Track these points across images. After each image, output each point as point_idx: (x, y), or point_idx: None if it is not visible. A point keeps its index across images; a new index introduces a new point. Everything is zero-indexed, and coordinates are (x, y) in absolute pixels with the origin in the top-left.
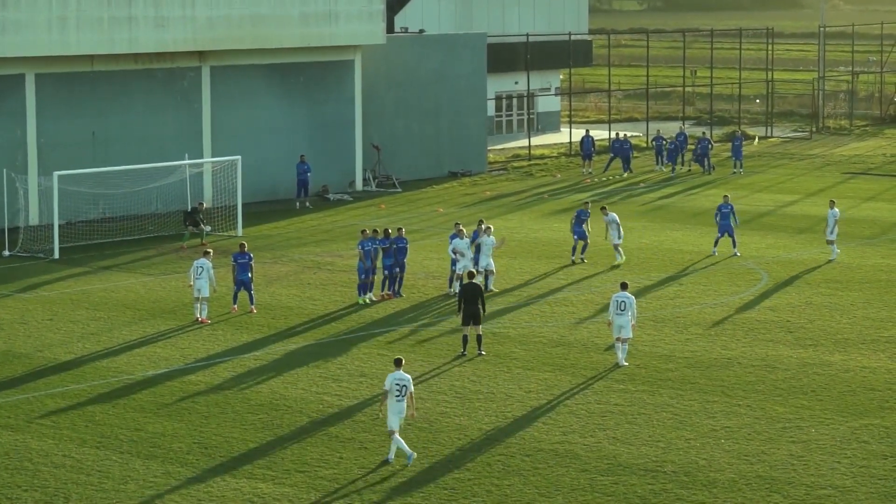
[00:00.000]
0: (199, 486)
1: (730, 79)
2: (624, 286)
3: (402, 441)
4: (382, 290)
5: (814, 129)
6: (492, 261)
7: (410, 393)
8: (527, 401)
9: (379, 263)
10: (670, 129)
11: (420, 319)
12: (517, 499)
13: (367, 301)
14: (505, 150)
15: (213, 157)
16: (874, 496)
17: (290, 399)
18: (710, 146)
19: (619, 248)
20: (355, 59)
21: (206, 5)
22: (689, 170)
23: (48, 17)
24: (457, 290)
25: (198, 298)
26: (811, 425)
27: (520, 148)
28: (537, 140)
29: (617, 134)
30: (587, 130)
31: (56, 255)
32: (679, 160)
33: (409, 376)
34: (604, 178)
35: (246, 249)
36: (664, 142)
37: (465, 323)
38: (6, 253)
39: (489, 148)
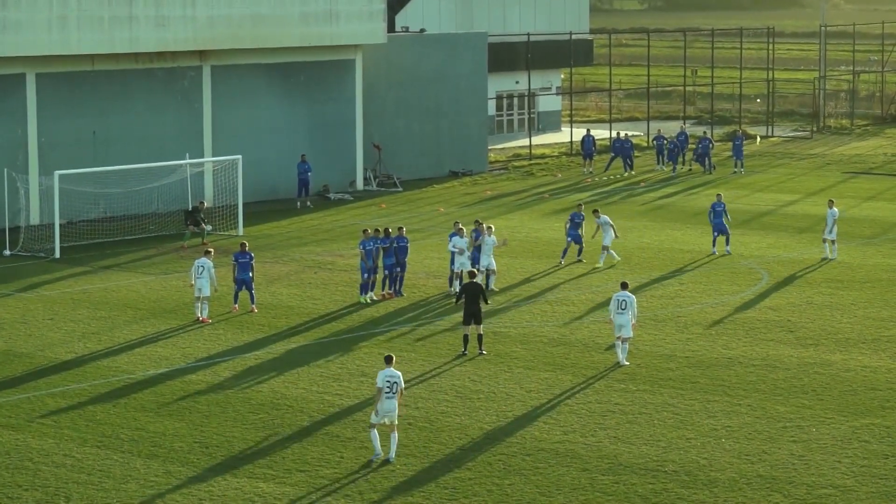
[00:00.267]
0: (200, 485)
1: (731, 78)
2: (624, 286)
3: (378, 439)
4: (383, 289)
5: (815, 129)
6: (493, 260)
7: (401, 389)
8: (528, 400)
9: (380, 262)
10: (671, 128)
11: (421, 319)
12: (518, 498)
13: (368, 300)
14: (506, 150)
15: (213, 156)
16: (875, 496)
17: (290, 398)
18: (710, 146)
19: (609, 251)
20: (356, 59)
21: (207, 5)
22: (690, 169)
23: (49, 17)
24: (457, 289)
25: (198, 298)
26: (812, 425)
27: (520, 147)
28: (538, 139)
29: (618, 133)
30: (588, 130)
31: (57, 255)
32: (680, 160)
33: (399, 373)
34: (604, 178)
35: (247, 249)
36: (664, 141)
37: (466, 322)
38: (7, 252)
39: (490, 147)
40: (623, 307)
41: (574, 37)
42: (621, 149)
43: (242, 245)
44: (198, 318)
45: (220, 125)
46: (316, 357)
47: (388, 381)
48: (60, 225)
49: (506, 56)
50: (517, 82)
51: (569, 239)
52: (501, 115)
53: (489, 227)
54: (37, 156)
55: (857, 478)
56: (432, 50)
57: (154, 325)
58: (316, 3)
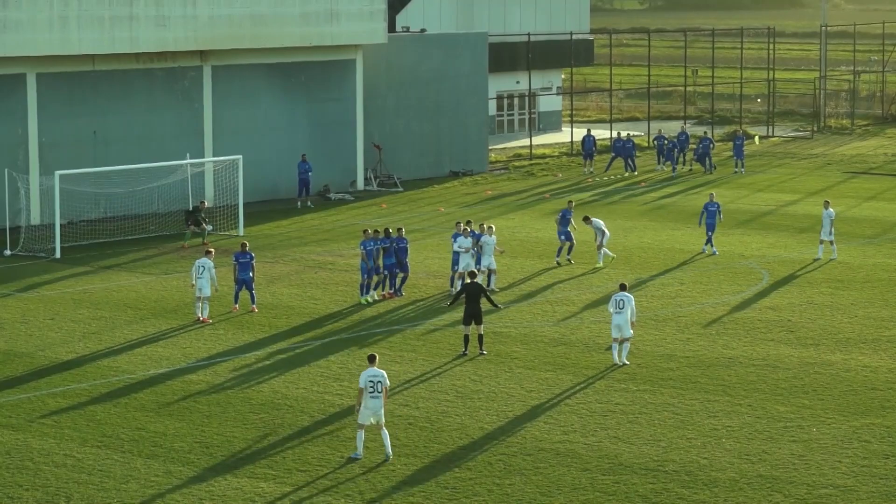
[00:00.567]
0: (200, 485)
1: (731, 78)
2: (623, 287)
3: (362, 439)
4: (383, 289)
5: (815, 129)
6: (493, 260)
7: (385, 388)
8: (528, 400)
9: (380, 263)
10: (672, 128)
11: (421, 319)
12: (518, 498)
13: (369, 301)
14: (506, 150)
15: (214, 156)
16: (875, 495)
17: (291, 398)
18: (711, 145)
19: (605, 250)
20: (356, 59)
21: (208, 4)
22: (691, 169)
23: (49, 17)
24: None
25: (199, 298)
26: (812, 424)
27: (521, 147)
28: (538, 139)
29: (618, 133)
30: (588, 130)
31: (57, 255)
32: (680, 159)
33: (383, 372)
34: (605, 178)
35: (247, 249)
36: (665, 141)
37: (467, 322)
38: (8, 252)
39: (490, 147)
40: (621, 307)
41: (574, 37)
42: (623, 149)
43: (243, 245)
44: (198, 318)
45: (221, 125)
46: (316, 357)
47: (370, 381)
48: (61, 225)
49: (506, 56)
50: (518, 82)
51: (561, 237)
52: (502, 115)
53: (490, 227)
54: (37, 156)
55: (857, 477)
56: (433, 50)
57: (154, 325)
58: (316, 3)
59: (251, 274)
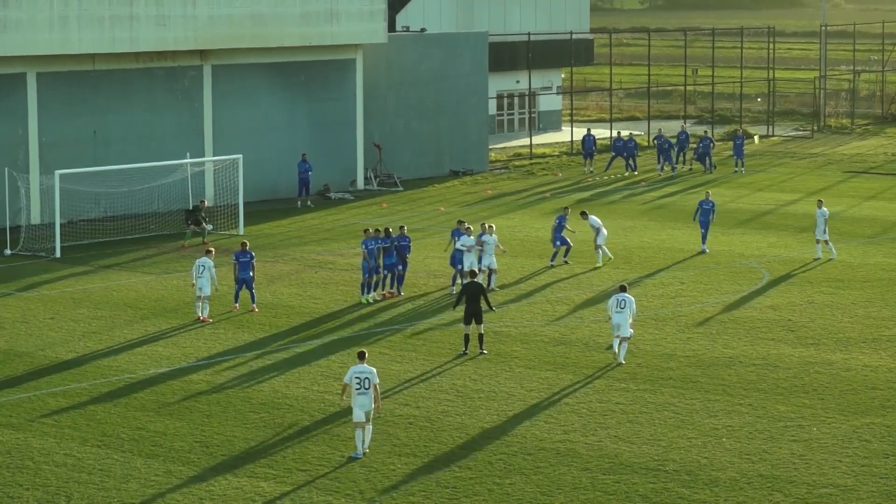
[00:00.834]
0: (200, 484)
1: (731, 77)
2: (623, 288)
3: (367, 437)
4: (384, 288)
5: (815, 128)
6: (494, 259)
7: (374, 385)
8: (528, 399)
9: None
10: (672, 128)
11: (421, 318)
12: (519, 497)
13: (370, 300)
14: (506, 149)
15: (214, 155)
16: (875, 495)
17: (291, 398)
18: (711, 145)
19: (603, 249)
20: (356, 58)
21: (208, 4)
22: (691, 168)
23: (49, 16)
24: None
25: (199, 297)
26: (813, 424)
27: (521, 147)
28: (538, 139)
29: (619, 133)
30: (588, 129)
31: (57, 254)
32: (680, 159)
33: (372, 369)
34: (605, 178)
35: (248, 248)
36: (662, 140)
37: (467, 321)
38: (8, 252)
39: (490, 147)
40: (622, 306)
41: (575, 36)
42: (624, 148)
43: (243, 244)
44: (198, 318)
45: (221, 124)
46: (317, 356)
47: (357, 377)
48: (61, 224)
49: (506, 55)
50: (518, 82)
51: (556, 244)
52: (502, 115)
53: (490, 227)
54: (37, 155)
55: (857, 477)
56: (433, 49)
57: (155, 325)
58: (316, 3)
59: (251, 273)
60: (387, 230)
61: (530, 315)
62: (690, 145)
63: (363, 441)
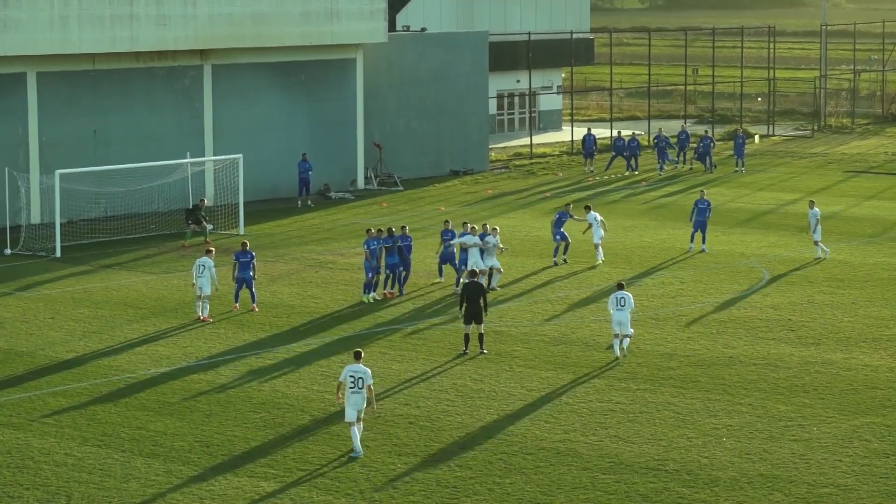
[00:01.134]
0: (200, 484)
1: (731, 77)
2: (620, 286)
3: (357, 435)
4: (385, 288)
5: (815, 128)
6: (496, 260)
7: (368, 386)
8: (528, 399)
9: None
10: (672, 127)
11: (422, 318)
12: (519, 497)
13: (371, 300)
14: (506, 149)
15: (214, 155)
16: (876, 494)
17: (292, 397)
18: (711, 144)
19: (600, 248)
20: (357, 58)
21: (208, 3)
22: (691, 168)
23: (50, 16)
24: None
25: (199, 297)
26: (813, 424)
27: (521, 146)
28: (539, 138)
29: (619, 132)
30: (589, 129)
31: (58, 254)
32: (681, 158)
33: (367, 369)
34: (606, 177)
35: (248, 248)
36: (661, 139)
37: (467, 321)
38: (8, 251)
39: (491, 146)
40: (622, 304)
41: (575, 36)
42: (626, 148)
43: (243, 244)
44: (199, 318)
45: (221, 124)
46: (317, 356)
47: (352, 377)
48: (61, 224)
49: (507, 55)
50: (518, 81)
51: (556, 238)
52: (502, 114)
53: (494, 229)
54: (37, 155)
55: (857, 476)
56: (433, 49)
57: (155, 324)
58: (317, 2)
59: (251, 273)
60: (389, 230)
61: (531, 314)
62: (691, 145)
63: (358, 438)
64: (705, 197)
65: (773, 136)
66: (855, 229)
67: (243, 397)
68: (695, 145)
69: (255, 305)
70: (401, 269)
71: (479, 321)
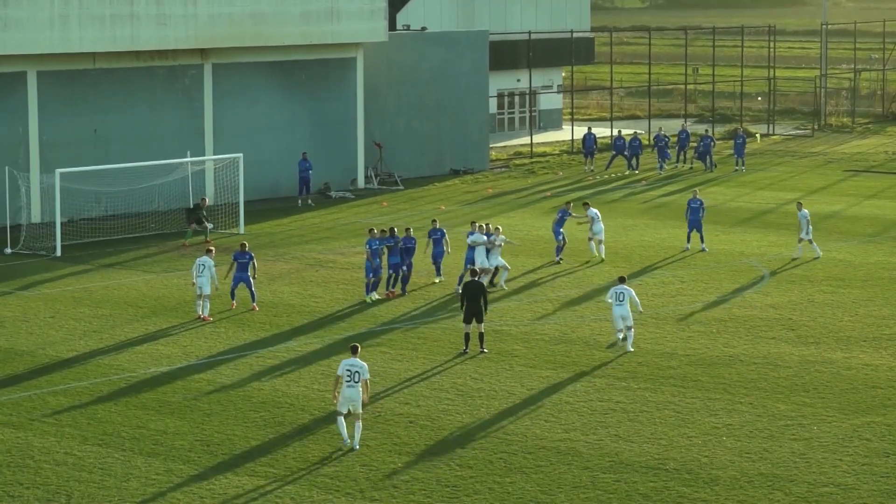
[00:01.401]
0: (201, 483)
1: (732, 76)
2: (622, 280)
3: (345, 426)
4: (387, 288)
5: (816, 127)
6: (502, 259)
7: (364, 380)
8: (529, 398)
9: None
10: (672, 126)
11: (422, 317)
12: (519, 496)
13: (372, 300)
14: (507, 148)
15: (214, 154)
16: (876, 493)
17: (292, 396)
18: (712, 143)
19: (595, 245)
20: (357, 57)
21: (208, 3)
22: (691, 167)
23: (50, 15)
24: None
25: (199, 296)
26: (813, 423)
27: (522, 145)
28: (539, 138)
29: (619, 131)
30: (589, 128)
31: (58, 253)
32: (681, 157)
33: (364, 363)
34: (606, 176)
35: (247, 249)
36: (660, 138)
37: (468, 321)
38: (8, 250)
39: (491, 145)
40: (621, 298)
41: (575, 35)
42: (628, 147)
43: (242, 245)
44: (199, 317)
45: (221, 123)
46: (317, 355)
47: (348, 370)
48: (61, 223)
49: (507, 54)
50: (518, 80)
51: (559, 237)
52: (503, 114)
53: (497, 228)
54: (38, 154)
55: (858, 476)
56: (433, 48)
57: (155, 324)
58: (317, 2)
59: (249, 273)
60: (392, 230)
61: (531, 313)
62: (691, 144)
63: (346, 427)
64: (698, 196)
65: (774, 135)
66: (855, 228)
67: (244, 396)
68: (695, 144)
69: (255, 305)
70: (404, 269)
71: (479, 320)
